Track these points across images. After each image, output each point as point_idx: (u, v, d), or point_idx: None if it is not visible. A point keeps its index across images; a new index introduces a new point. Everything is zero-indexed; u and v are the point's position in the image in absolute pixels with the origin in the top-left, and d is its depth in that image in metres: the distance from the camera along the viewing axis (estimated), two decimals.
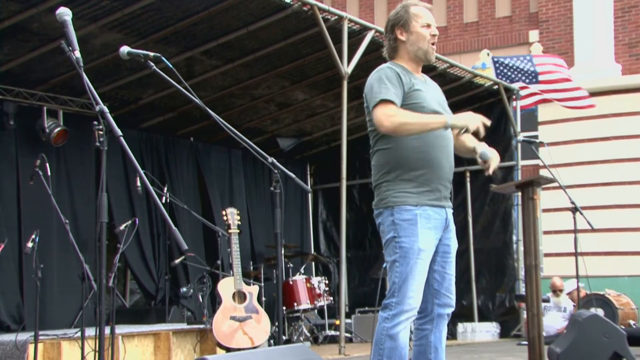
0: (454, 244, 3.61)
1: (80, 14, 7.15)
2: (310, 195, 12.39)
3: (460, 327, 10.62)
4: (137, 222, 6.47)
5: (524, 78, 10.99)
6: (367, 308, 10.35)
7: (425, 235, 3.44)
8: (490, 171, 3.59)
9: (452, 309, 3.61)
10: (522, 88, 11.14)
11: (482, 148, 3.63)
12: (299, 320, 9.16)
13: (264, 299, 8.69)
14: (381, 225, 3.53)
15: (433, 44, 3.59)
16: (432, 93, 3.63)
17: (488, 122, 3.44)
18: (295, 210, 12.14)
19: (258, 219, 11.45)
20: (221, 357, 3.31)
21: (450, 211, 3.59)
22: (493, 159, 3.59)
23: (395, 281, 3.43)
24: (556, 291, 9.95)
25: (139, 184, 8.55)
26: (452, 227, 3.62)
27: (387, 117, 3.39)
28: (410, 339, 3.52)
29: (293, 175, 3.62)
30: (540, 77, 10.96)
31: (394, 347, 3.39)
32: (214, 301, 8.48)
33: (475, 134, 3.54)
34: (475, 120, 3.41)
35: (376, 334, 3.46)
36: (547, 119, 12.45)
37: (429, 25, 3.58)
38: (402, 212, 3.45)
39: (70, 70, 8.27)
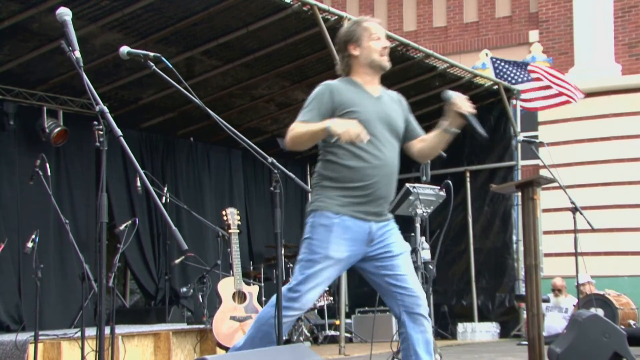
0: (397, 248, 3.62)
1: (80, 14, 7.15)
2: (310, 195, 12.37)
3: (460, 327, 10.61)
4: (137, 222, 6.47)
5: (520, 75, 10.97)
6: (367, 308, 10.35)
7: (337, 244, 3.51)
8: (463, 109, 3.53)
9: (423, 306, 3.60)
10: (523, 92, 11.12)
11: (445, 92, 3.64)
12: (298, 320, 9.16)
13: (264, 299, 8.69)
14: (305, 226, 3.67)
15: (383, 55, 3.68)
16: (381, 107, 3.65)
17: (365, 138, 3.38)
18: (295, 210, 12.14)
19: (258, 219, 11.45)
20: (221, 357, 3.30)
21: (379, 225, 3.59)
22: (456, 96, 3.57)
23: (298, 278, 3.55)
24: (555, 290, 9.94)
25: (139, 184, 8.55)
26: (388, 236, 3.62)
27: (288, 132, 3.55)
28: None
29: (293, 175, 3.61)
30: (532, 75, 10.95)
31: (269, 332, 3.52)
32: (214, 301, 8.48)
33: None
34: (350, 133, 3.35)
35: (262, 313, 3.59)
36: (547, 119, 12.44)
37: (379, 39, 3.69)
38: (322, 217, 3.56)
39: (70, 70, 8.26)
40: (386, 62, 3.69)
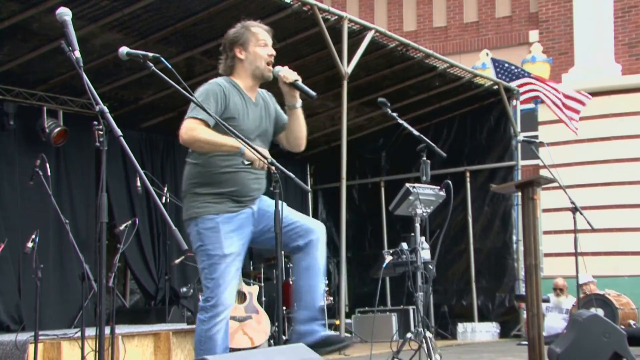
0: (271, 207, 3.66)
1: (80, 14, 7.15)
2: (310, 195, 12.38)
3: (460, 327, 10.61)
4: (137, 222, 6.48)
5: (521, 75, 11.00)
6: (367, 308, 10.35)
7: (229, 240, 3.60)
8: (289, 78, 3.76)
9: (317, 232, 3.85)
10: (520, 86, 11.13)
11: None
12: None
13: (263, 299, 8.68)
14: (189, 236, 3.71)
15: (269, 63, 3.78)
16: (258, 114, 3.79)
17: (265, 163, 3.51)
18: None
19: None
20: (221, 357, 3.31)
21: (257, 206, 3.75)
22: (279, 70, 3.77)
23: (208, 286, 3.61)
24: (557, 290, 9.94)
25: (139, 184, 8.54)
26: (261, 203, 3.78)
27: (187, 129, 3.60)
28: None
29: (293, 175, 3.61)
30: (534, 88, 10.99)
31: (213, 347, 3.58)
32: None
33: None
34: (262, 162, 3.51)
35: (196, 335, 3.65)
36: (547, 119, 12.43)
37: (266, 45, 3.77)
38: (205, 221, 3.63)
39: (70, 70, 8.26)
40: (269, 72, 3.78)
